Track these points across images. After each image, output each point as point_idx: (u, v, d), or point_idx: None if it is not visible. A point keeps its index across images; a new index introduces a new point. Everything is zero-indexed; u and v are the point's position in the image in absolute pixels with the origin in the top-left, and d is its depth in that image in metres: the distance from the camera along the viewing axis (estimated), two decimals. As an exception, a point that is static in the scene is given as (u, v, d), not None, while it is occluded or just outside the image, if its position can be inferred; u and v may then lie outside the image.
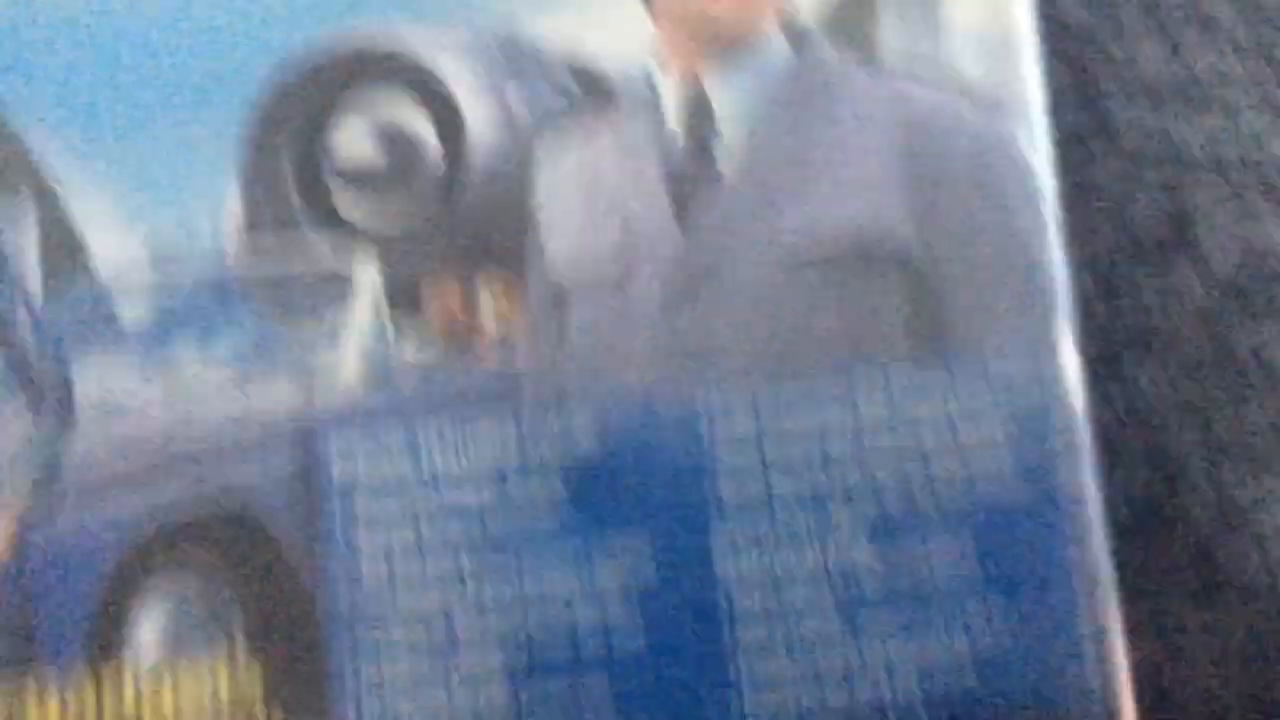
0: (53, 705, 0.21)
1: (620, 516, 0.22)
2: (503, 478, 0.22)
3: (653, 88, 0.23)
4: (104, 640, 0.21)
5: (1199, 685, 0.26)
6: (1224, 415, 0.27)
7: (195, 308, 0.23)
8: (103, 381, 0.22)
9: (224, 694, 0.21)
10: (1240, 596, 0.26)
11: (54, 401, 0.22)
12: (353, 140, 0.23)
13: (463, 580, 0.22)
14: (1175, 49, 0.29)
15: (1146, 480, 0.27)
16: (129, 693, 0.21)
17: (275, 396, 0.22)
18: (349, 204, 0.23)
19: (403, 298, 0.23)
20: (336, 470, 0.22)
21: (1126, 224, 0.29)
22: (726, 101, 0.23)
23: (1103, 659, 0.22)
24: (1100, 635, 0.22)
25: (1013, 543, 0.22)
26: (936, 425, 0.22)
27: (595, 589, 0.22)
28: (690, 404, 0.23)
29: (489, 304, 0.23)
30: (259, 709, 0.21)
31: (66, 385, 0.22)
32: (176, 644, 0.21)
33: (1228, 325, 0.28)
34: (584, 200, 0.23)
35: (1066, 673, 0.22)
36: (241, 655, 0.21)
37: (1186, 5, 0.30)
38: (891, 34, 0.24)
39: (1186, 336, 0.28)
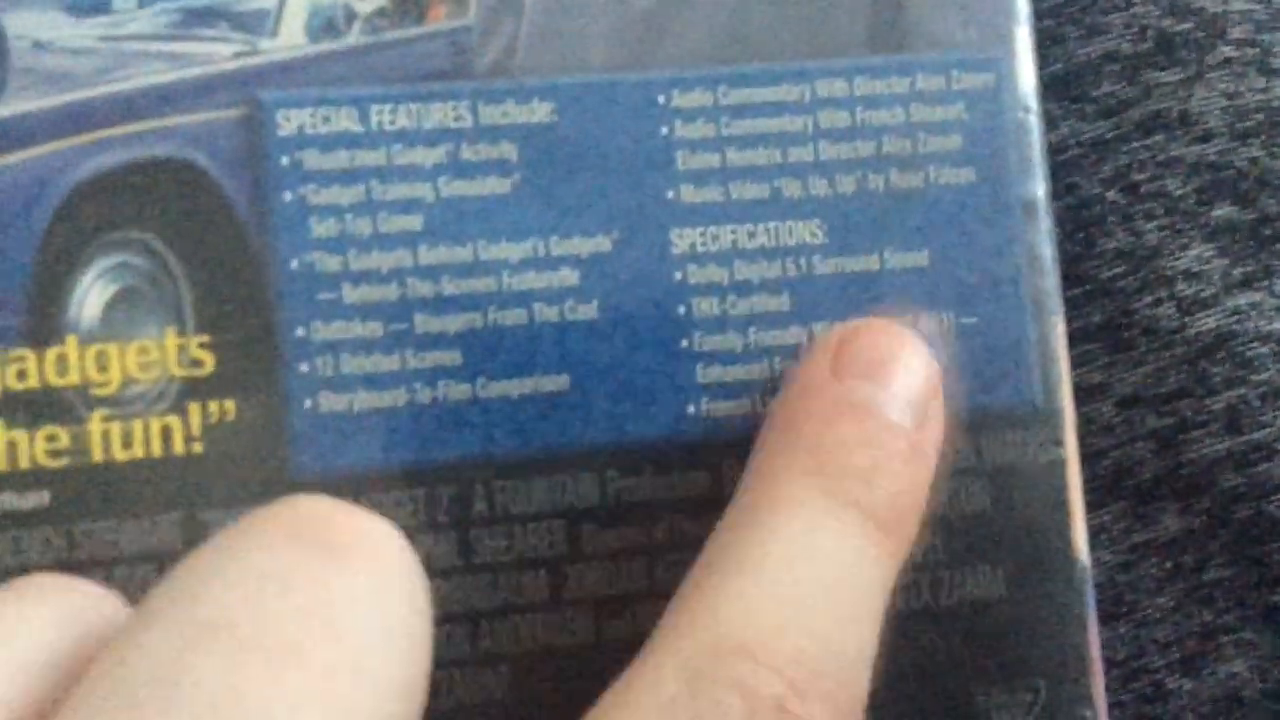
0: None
1: (575, 184, 0.23)
2: (455, 139, 0.23)
3: None
4: (46, 311, 0.22)
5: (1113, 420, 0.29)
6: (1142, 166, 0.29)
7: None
8: (34, 25, 0.22)
9: (174, 371, 0.22)
10: (1150, 342, 0.29)
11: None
12: None
13: (415, 241, 0.23)
14: None
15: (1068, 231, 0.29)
16: (74, 369, 0.22)
17: (216, 43, 0.23)
18: None
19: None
20: (280, 120, 0.22)
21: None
22: None
23: (1046, 363, 0.24)
24: (1045, 341, 0.24)
25: (964, 243, 0.24)
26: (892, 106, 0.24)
27: (549, 255, 0.23)
28: (649, 80, 0.23)
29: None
30: (209, 386, 0.22)
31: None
32: (121, 319, 0.22)
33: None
34: None
35: (1011, 372, 0.24)
36: (190, 329, 0.22)
37: None
38: None
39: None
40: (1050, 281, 0.24)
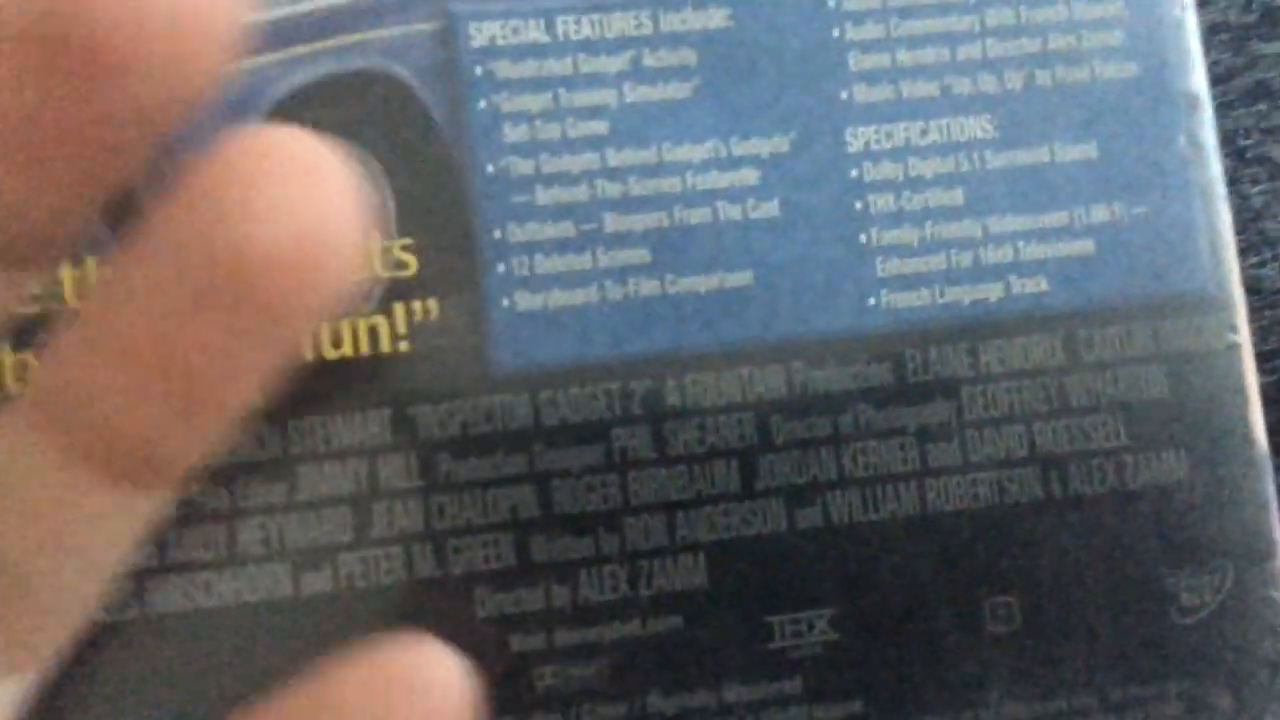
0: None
1: (752, 87, 0.24)
2: (636, 47, 0.24)
3: None
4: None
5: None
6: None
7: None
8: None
9: (379, 272, 0.24)
10: (1254, 301, 0.30)
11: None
12: None
13: (602, 144, 0.24)
14: None
15: None
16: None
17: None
18: None
19: None
20: (473, 32, 0.24)
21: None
22: None
23: (1216, 250, 0.25)
24: (1214, 228, 0.25)
25: (1130, 135, 0.25)
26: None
27: (730, 156, 0.24)
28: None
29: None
30: (412, 287, 0.24)
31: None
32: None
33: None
34: None
35: (1183, 259, 0.25)
36: (393, 233, 0.24)
37: None
38: None
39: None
40: (1214, 170, 0.25)
